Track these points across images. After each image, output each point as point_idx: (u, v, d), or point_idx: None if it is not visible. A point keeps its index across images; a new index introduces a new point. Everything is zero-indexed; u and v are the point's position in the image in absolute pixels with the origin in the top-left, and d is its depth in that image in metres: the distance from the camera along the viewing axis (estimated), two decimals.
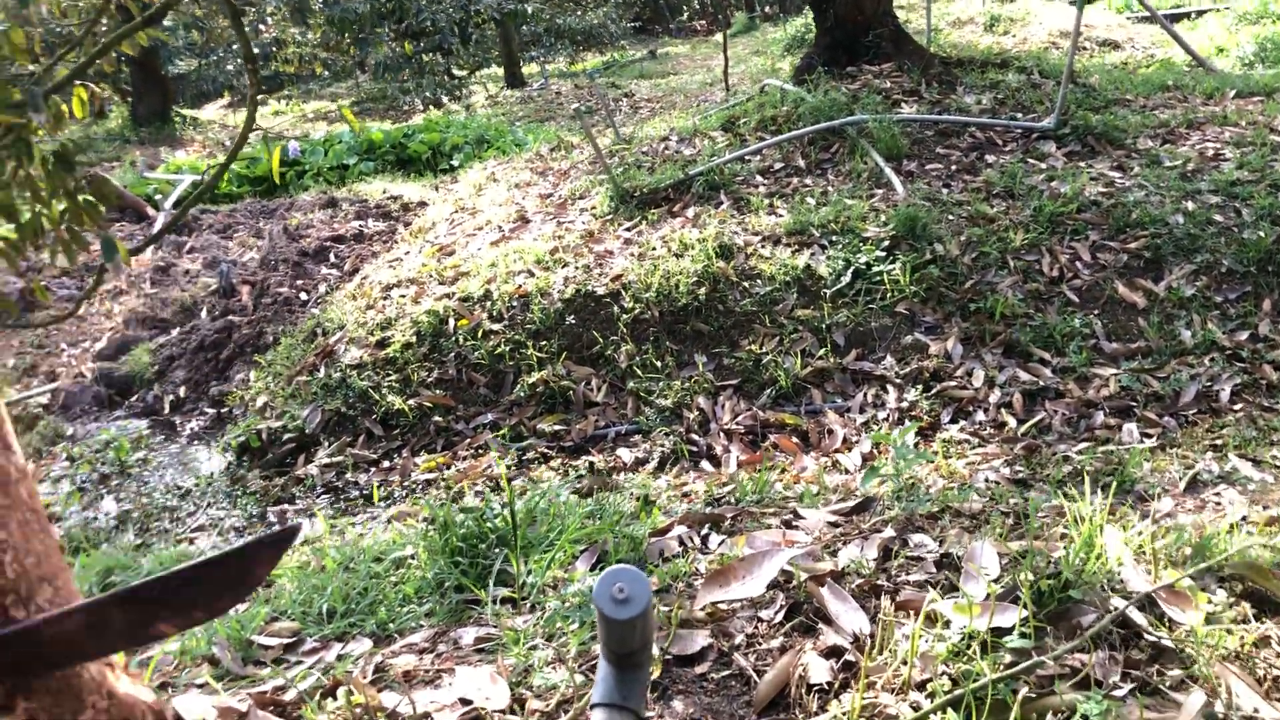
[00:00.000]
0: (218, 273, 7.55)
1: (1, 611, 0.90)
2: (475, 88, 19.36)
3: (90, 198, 5.21)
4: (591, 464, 4.54)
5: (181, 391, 6.41)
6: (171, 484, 5.39)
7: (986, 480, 3.40)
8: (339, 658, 1.99)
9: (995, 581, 1.98)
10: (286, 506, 4.89)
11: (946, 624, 1.82)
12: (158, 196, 10.37)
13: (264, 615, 2.23)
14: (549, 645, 1.85)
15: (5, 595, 0.91)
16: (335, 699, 1.72)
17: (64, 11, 5.94)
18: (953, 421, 4.41)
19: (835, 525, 2.41)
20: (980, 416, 4.42)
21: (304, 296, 7.16)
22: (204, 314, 7.19)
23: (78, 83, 5.24)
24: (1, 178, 4.88)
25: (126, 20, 5.42)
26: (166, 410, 6.34)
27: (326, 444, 5.25)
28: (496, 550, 2.25)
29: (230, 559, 0.96)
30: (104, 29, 5.89)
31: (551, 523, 2.39)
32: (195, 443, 5.96)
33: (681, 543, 2.27)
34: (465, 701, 1.71)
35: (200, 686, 1.97)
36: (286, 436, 5.33)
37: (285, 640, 2.12)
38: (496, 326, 5.40)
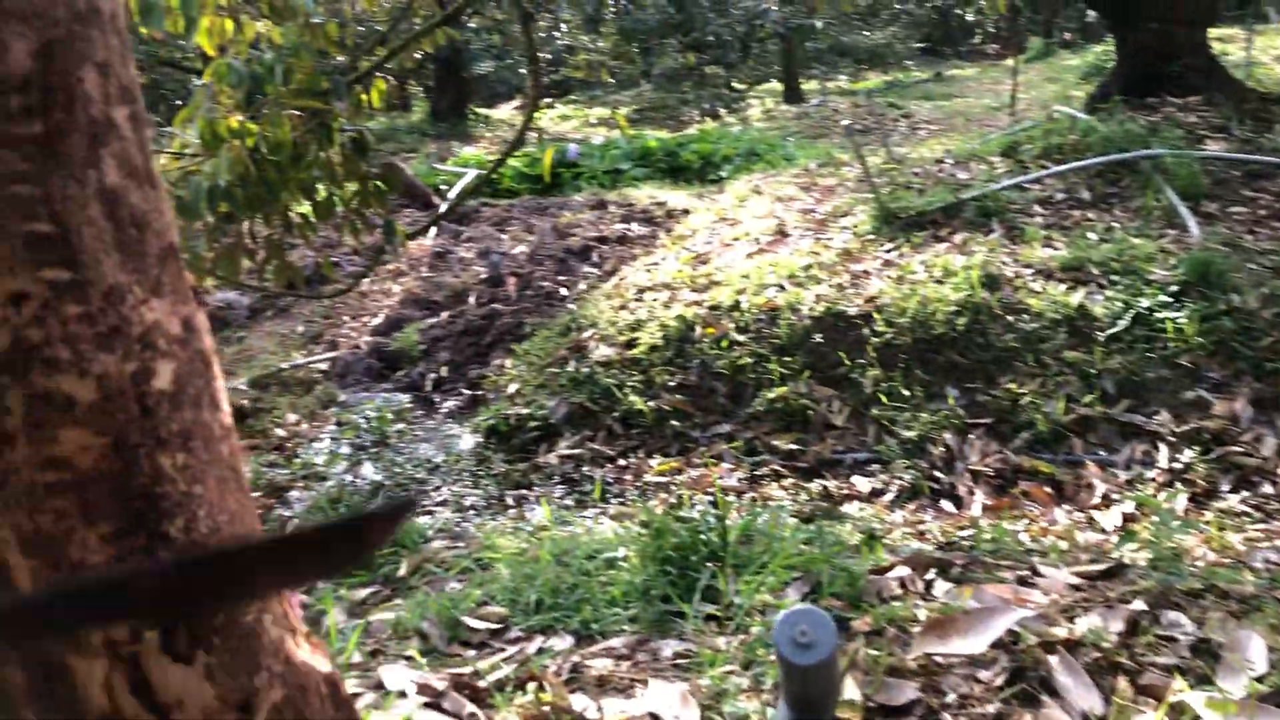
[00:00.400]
0: (488, 263, 7.90)
1: None
2: (753, 101, 19.44)
3: (379, 183, 5.55)
4: (825, 488, 4.41)
5: (443, 371, 6.74)
6: (423, 457, 5.66)
7: (1265, 561, 3.02)
8: (539, 651, 1.99)
9: (1260, 680, 1.73)
10: (524, 491, 5.03)
11: (1195, 719, 1.61)
12: (443, 187, 11.01)
13: (475, 597, 2.28)
14: (746, 673, 1.78)
15: (197, 550, 0.93)
16: (526, 693, 1.72)
17: (375, 8, 6.38)
18: (1233, 491, 3.97)
19: (1078, 589, 2.20)
20: (1267, 489, 3.96)
21: (564, 292, 7.38)
22: (472, 300, 7.55)
23: (378, 75, 5.60)
24: (305, 159, 5.28)
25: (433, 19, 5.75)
26: (428, 387, 6.69)
27: (568, 436, 5.37)
28: (707, 565, 2.20)
29: (348, 525, 0.94)
30: (408, 28, 6.30)
31: (768, 544, 2.31)
32: (449, 421, 6.25)
33: (903, 585, 2.13)
34: (654, 717, 1.66)
35: (407, 659, 2.02)
36: (532, 424, 5.49)
37: (492, 625, 2.15)
38: (742, 338, 5.36)
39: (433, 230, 8.72)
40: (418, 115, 19.37)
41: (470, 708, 1.70)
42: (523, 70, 20.43)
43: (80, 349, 0.86)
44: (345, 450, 5.94)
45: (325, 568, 0.94)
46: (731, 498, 4.30)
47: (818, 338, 5.20)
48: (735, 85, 20.07)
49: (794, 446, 4.82)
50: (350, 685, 1.94)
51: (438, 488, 5.25)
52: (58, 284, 0.85)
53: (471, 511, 4.90)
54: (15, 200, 0.83)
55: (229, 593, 0.91)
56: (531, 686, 1.69)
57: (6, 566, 0.89)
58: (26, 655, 0.91)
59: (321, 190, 5.25)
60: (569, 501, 4.77)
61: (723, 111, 18.13)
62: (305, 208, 5.25)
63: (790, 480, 4.56)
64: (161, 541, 0.91)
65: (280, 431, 6.26)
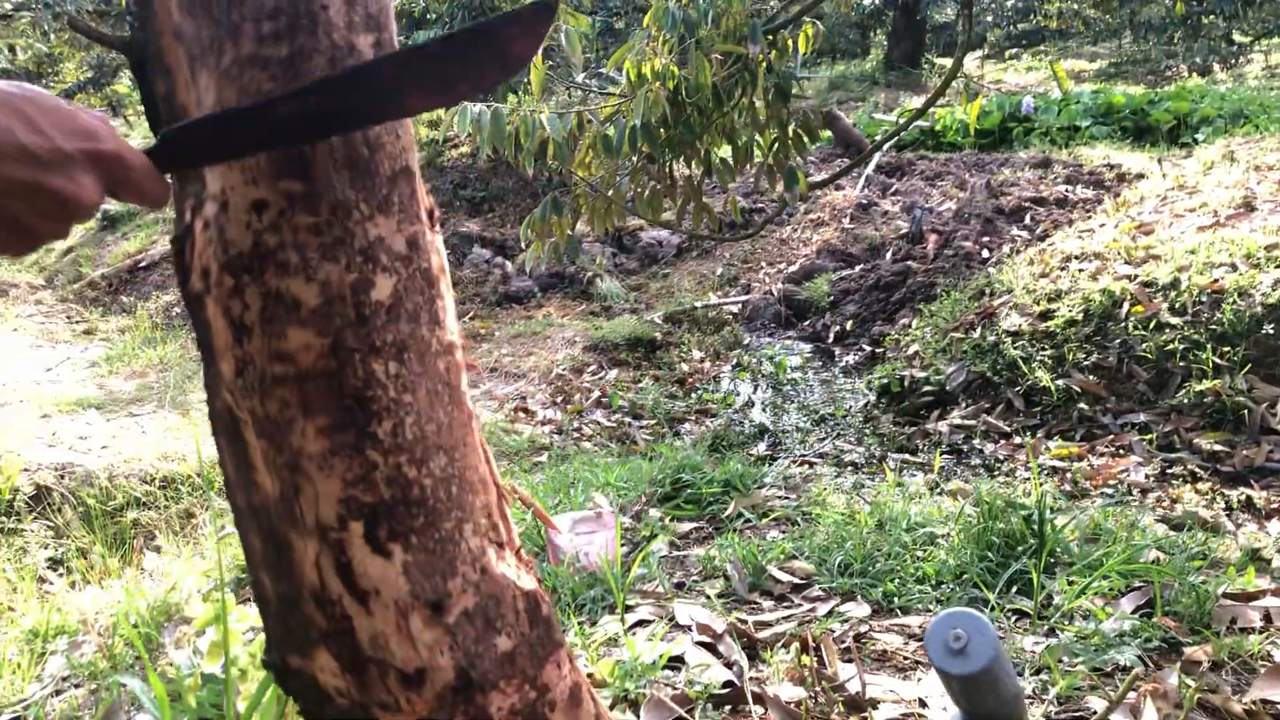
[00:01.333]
0: (911, 218, 7.67)
1: (396, 468, 1.00)
2: (1255, 56, 17.08)
3: (800, 131, 5.56)
4: (1248, 498, 3.87)
5: (847, 325, 6.69)
6: (812, 408, 5.68)
7: None
8: (829, 613, 1.93)
9: None
10: (906, 456, 4.89)
11: None
12: (879, 138, 10.80)
13: (787, 550, 2.25)
14: (1035, 678, 1.60)
15: (401, 453, 1.00)
16: (788, 651, 1.67)
17: None
18: None
19: None
20: None
21: (985, 254, 7.00)
22: (888, 256, 7.38)
23: (807, 20, 5.57)
24: (728, 104, 5.41)
25: None
26: (830, 339, 6.67)
27: (963, 405, 5.14)
28: (1033, 559, 2.00)
29: (486, 30, 0.91)
30: None
31: (1111, 546, 2.05)
32: (845, 376, 6.20)
33: (1268, 618, 1.81)
34: (921, 703, 1.56)
35: (705, 598, 2.05)
36: (926, 389, 5.31)
37: (796, 580, 2.12)
38: (1175, 320, 4.79)
39: (860, 181, 8.60)
40: (871, 63, 19.12)
41: (739, 656, 1.69)
42: (989, 18, 19.43)
43: (308, 256, 0.94)
44: (740, 391, 6.09)
45: (468, 79, 0.92)
46: (1135, 495, 3.91)
47: (1269, 329, 4.53)
48: (1235, 37, 17.72)
49: (1219, 447, 4.27)
50: (644, 612, 2.00)
51: (821, 439, 5.24)
52: (292, 195, 0.94)
53: (849, 469, 4.84)
54: None
55: (371, 112, 0.92)
56: (793, 647, 1.65)
57: (246, 444, 1.00)
58: (267, 531, 1.03)
59: (743, 135, 5.36)
60: (961, 475, 4.57)
61: (1215, 67, 16.12)
62: (726, 152, 5.40)
63: (1207, 484, 4.05)
64: (370, 440, 0.98)
65: (684, 366, 6.54)
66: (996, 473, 4.44)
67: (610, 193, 5.26)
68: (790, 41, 5.25)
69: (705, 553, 2.27)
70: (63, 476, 4.41)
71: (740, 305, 7.42)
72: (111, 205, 11.17)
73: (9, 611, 3.03)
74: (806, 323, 7.01)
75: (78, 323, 8.76)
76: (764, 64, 5.00)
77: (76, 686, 2.15)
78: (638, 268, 8.55)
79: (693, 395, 5.99)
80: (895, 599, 1.98)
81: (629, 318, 7.28)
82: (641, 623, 1.94)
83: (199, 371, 5.55)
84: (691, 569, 2.26)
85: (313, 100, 0.89)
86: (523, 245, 7.78)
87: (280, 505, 1.00)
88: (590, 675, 1.72)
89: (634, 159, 5.24)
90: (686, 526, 2.55)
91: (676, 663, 1.72)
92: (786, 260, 7.98)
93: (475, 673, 1.04)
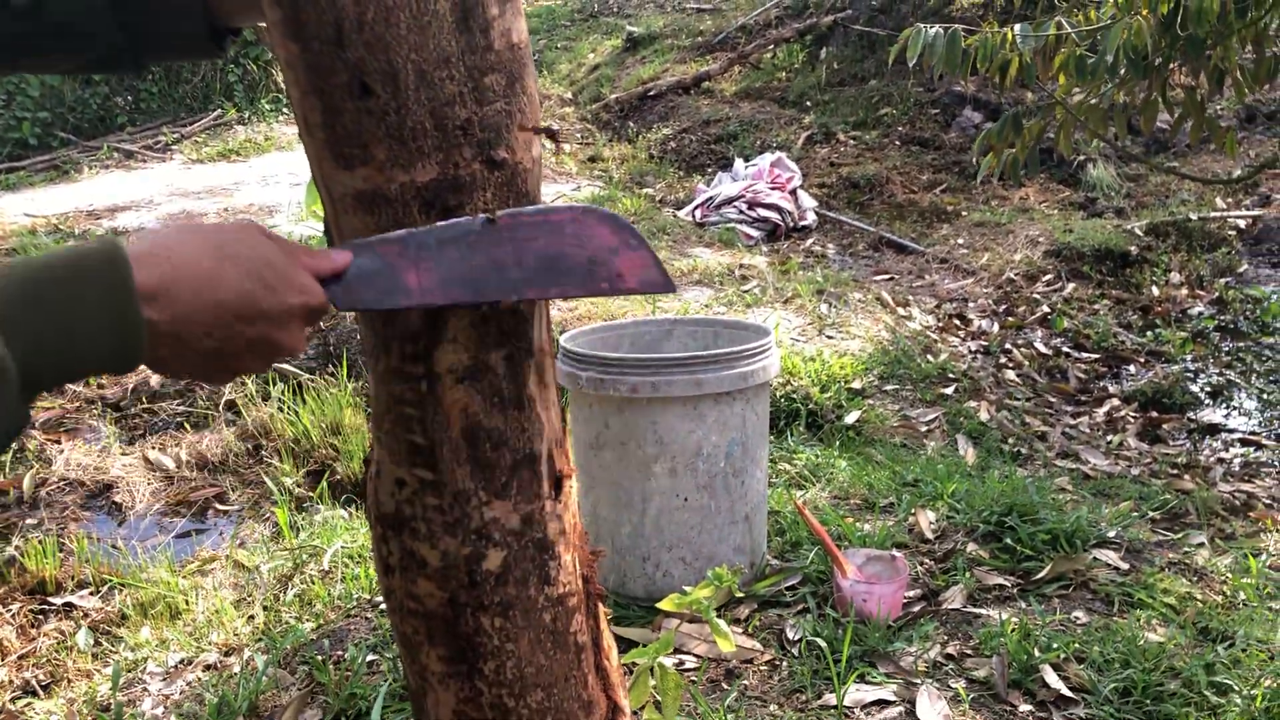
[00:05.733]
0: None
1: (498, 698, 1.17)
2: None
3: None
4: None
5: None
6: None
7: None
8: None
9: None
10: None
11: None
12: None
13: (1073, 648, 2.11)
14: None
15: (503, 688, 1.16)
16: None
17: None
18: None
19: None
20: None
21: None
22: None
23: None
24: (1257, 10, 4.71)
25: None
26: None
27: None
28: None
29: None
30: None
31: None
32: None
33: None
34: None
35: (959, 689, 2.03)
36: None
37: (1065, 691, 2.01)
38: None
39: None
40: None
41: None
42: None
43: (433, 529, 1.12)
44: (1212, 335, 5.44)
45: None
46: None
47: None
48: None
49: None
50: (887, 692, 2.03)
51: None
52: (424, 480, 1.11)
53: None
54: (403, 418, 1.10)
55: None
56: None
57: (400, 644, 1.23)
58: None
59: (1274, 43, 4.63)
60: None
61: None
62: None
63: None
64: (477, 674, 1.17)
65: (1155, 290, 5.93)
66: None
67: (1086, 107, 4.80)
68: None
69: (991, 625, 2.20)
70: None
71: (1249, 221, 6.45)
72: (637, 28, 11.88)
73: None
74: None
75: (588, 145, 9.62)
76: None
77: None
78: (1142, 153, 7.67)
79: (1151, 331, 5.44)
80: None
81: (1107, 221, 6.63)
82: (880, 703, 1.98)
83: (664, 228, 5.98)
84: (973, 637, 2.22)
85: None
86: (974, 160, 7.26)
87: (419, 697, 1.23)
88: None
89: (1121, 72, 4.70)
90: (995, 580, 2.45)
91: None
92: None
93: None
